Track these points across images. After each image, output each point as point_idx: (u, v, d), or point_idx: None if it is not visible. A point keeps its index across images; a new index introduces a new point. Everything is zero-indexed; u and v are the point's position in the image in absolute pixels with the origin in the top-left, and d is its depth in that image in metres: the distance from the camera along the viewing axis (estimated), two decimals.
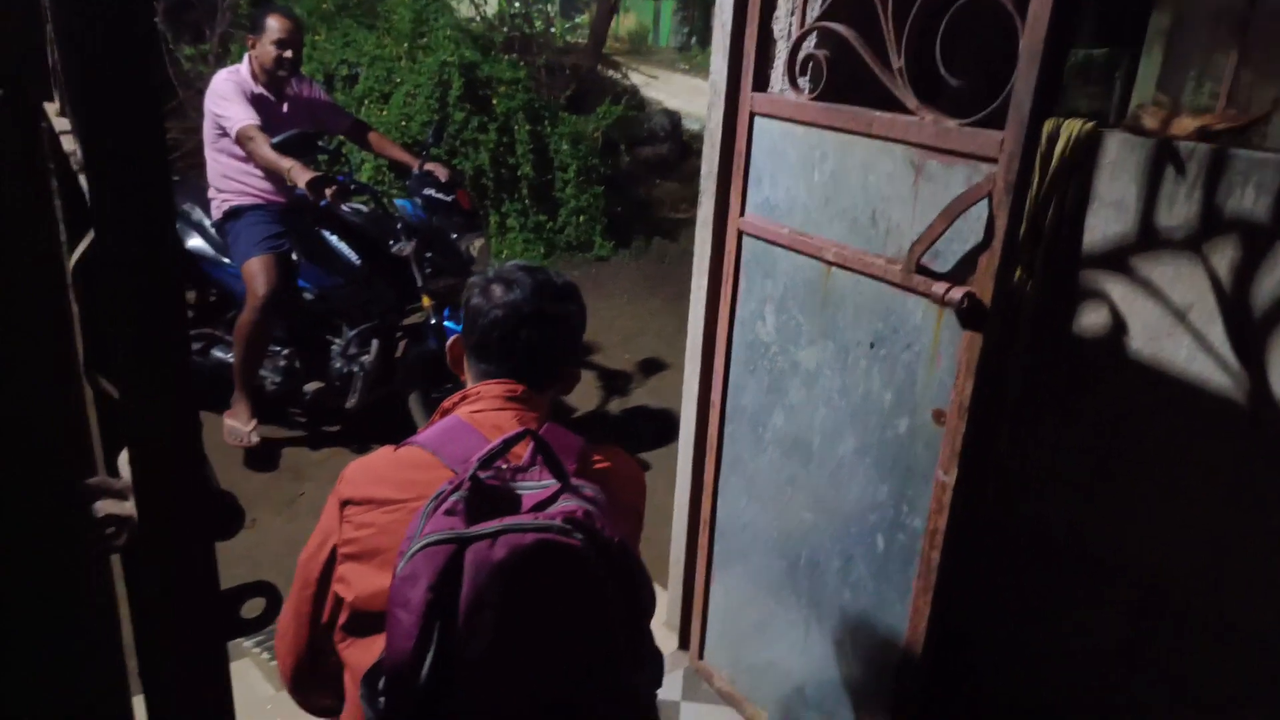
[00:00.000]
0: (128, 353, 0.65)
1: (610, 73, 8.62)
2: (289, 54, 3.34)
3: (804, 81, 1.79)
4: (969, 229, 1.50)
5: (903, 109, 1.58)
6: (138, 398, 0.65)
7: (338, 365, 3.64)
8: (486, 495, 1.16)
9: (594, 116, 6.43)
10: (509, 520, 1.09)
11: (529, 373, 1.34)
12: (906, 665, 1.73)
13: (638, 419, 4.12)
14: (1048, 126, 1.72)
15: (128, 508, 0.72)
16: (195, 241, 3.69)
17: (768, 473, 1.99)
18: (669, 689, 2.25)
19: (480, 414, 1.31)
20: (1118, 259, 1.70)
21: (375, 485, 1.24)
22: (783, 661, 2.05)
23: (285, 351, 3.68)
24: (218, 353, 3.71)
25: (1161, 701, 1.76)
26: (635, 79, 8.85)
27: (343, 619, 1.24)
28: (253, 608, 0.86)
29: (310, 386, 3.70)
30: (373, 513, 1.23)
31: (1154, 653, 1.75)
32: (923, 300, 1.58)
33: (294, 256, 3.52)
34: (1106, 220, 1.69)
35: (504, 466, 1.22)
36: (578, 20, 10.62)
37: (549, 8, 10.02)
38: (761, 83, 1.87)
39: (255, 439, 3.49)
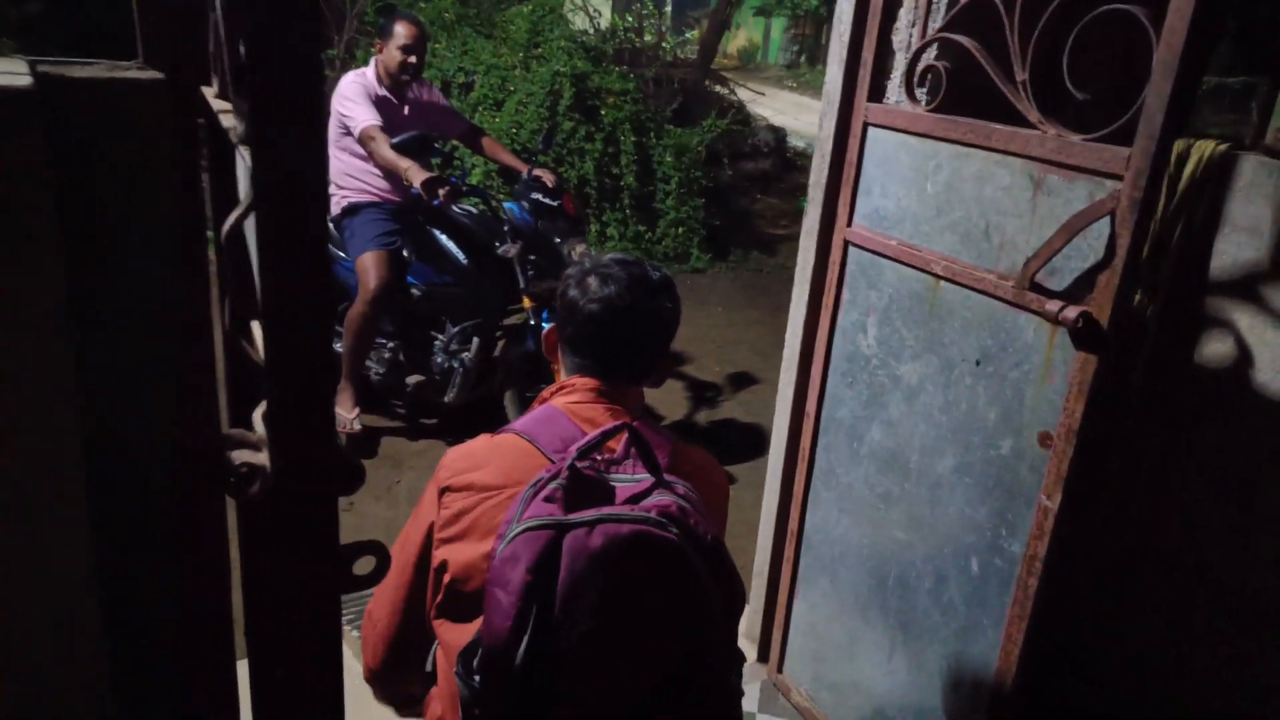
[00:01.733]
0: (275, 318, 0.69)
1: (717, 88, 8.66)
2: (413, 59, 3.48)
3: (921, 93, 1.77)
4: (1087, 247, 1.46)
5: (1021, 121, 1.55)
6: (280, 360, 0.70)
7: (439, 360, 3.75)
8: (584, 485, 1.18)
9: (698, 130, 6.46)
10: (606, 510, 1.10)
11: (622, 367, 1.36)
12: (998, 695, 1.67)
13: (726, 431, 4.11)
14: (1177, 147, 1.66)
15: (261, 458, 0.76)
16: None
17: (861, 487, 1.96)
18: (745, 700, 2.23)
19: (576, 405, 1.33)
20: (1247, 286, 1.62)
21: (474, 471, 1.27)
22: (865, 681, 2.01)
23: (391, 345, 3.81)
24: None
25: None
26: (742, 94, 8.87)
27: (439, 598, 1.27)
28: (363, 565, 0.90)
29: (412, 379, 3.82)
30: (471, 497, 1.25)
31: (1272, 686, 1.65)
32: (1034, 318, 1.54)
33: (405, 254, 3.66)
34: (1238, 245, 1.62)
35: (598, 458, 1.24)
36: (688, 35, 10.71)
37: (661, 22, 10.15)
38: (877, 94, 1.86)
39: (358, 426, 3.63)
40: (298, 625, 0.79)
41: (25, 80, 0.62)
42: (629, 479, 1.22)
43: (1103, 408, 1.49)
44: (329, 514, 0.77)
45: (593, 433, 1.23)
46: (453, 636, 1.25)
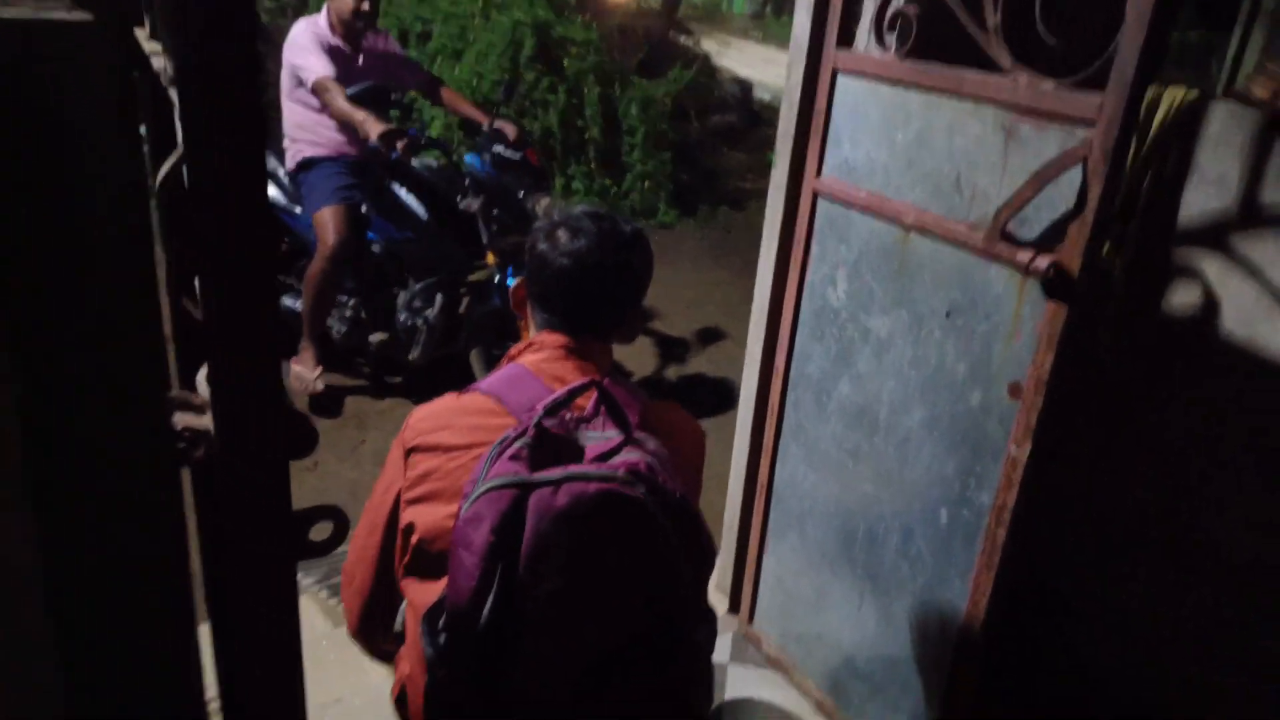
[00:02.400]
0: (212, 271, 0.65)
1: (683, 38, 8.52)
2: (366, 6, 3.35)
3: (891, 39, 1.73)
4: (1059, 196, 1.44)
5: (994, 70, 1.52)
6: (221, 316, 0.66)
7: (403, 318, 3.68)
8: (550, 443, 1.15)
9: (664, 82, 6.35)
10: (573, 469, 1.08)
11: (592, 323, 1.33)
12: (964, 642, 1.69)
13: (695, 386, 4.11)
14: (1148, 94, 1.64)
15: (205, 421, 0.72)
16: (270, 190, 3.74)
17: (829, 442, 1.96)
18: (717, 652, 2.25)
19: (544, 363, 1.30)
20: (1215, 236, 1.61)
21: (439, 431, 1.25)
22: (834, 632, 2.02)
23: (352, 302, 3.73)
24: (287, 300, 3.78)
25: (1242, 685, 1.70)
26: (708, 46, 8.73)
27: (407, 558, 1.25)
28: (320, 531, 0.87)
29: (375, 337, 3.75)
30: (437, 458, 1.23)
31: (1241, 637, 1.69)
32: (1005, 269, 1.53)
33: (364, 209, 3.56)
34: (1206, 196, 1.61)
35: (568, 416, 1.21)
36: None
37: None
38: (846, 40, 1.82)
39: (320, 386, 3.56)
40: (253, 591, 0.76)
41: None
42: (599, 436, 1.20)
43: (1072, 359, 1.48)
44: (278, 478, 0.73)
45: (560, 390, 1.20)
46: (420, 596, 1.24)
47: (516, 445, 1.14)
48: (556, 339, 1.31)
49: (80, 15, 0.71)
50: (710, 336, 4.58)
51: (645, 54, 6.55)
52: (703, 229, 6.07)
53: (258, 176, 0.63)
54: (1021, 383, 1.53)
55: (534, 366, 1.30)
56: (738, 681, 2.19)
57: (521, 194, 3.50)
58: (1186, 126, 1.62)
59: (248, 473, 0.70)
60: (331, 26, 3.42)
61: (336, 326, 3.72)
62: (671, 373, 4.22)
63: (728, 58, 9.28)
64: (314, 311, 3.52)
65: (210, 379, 0.69)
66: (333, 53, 3.38)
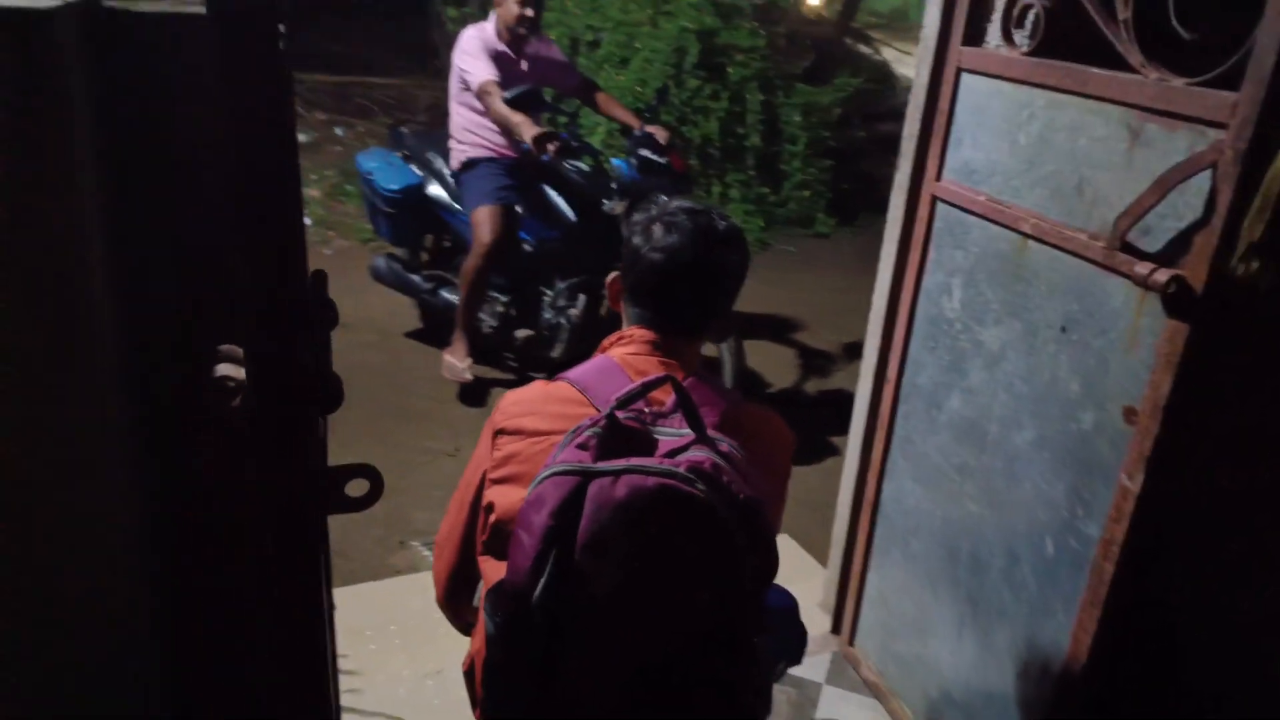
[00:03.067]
0: (240, 234, 0.71)
1: (860, 46, 8.33)
2: (530, 12, 3.50)
3: (1020, 36, 1.64)
4: (1185, 205, 1.32)
5: (1121, 69, 1.41)
6: (249, 273, 0.72)
7: (547, 315, 3.81)
8: (621, 434, 1.16)
9: (830, 89, 6.24)
10: (634, 461, 1.08)
11: (682, 320, 1.33)
12: (1065, 683, 1.57)
13: (832, 401, 4.01)
14: None
15: (241, 372, 0.80)
16: (435, 189, 3.98)
17: (937, 457, 1.87)
18: (814, 670, 2.20)
19: (631, 356, 1.31)
20: None
21: (525, 416, 1.28)
22: (933, 657, 1.93)
23: (503, 298, 3.90)
24: (445, 293, 4.00)
25: None
26: (888, 54, 8.49)
27: (485, 537, 1.30)
28: (357, 487, 0.94)
29: (521, 333, 3.91)
30: (521, 442, 1.26)
31: None
32: (1124, 283, 1.42)
33: (518, 209, 3.72)
34: None
35: (646, 410, 1.22)
36: None
37: None
38: (975, 39, 1.74)
39: (469, 376, 3.74)
40: (282, 534, 0.82)
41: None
42: (673, 432, 1.20)
43: (1197, 384, 1.35)
44: (307, 428, 0.79)
45: (626, 384, 1.21)
46: (493, 574, 1.28)
47: (586, 434, 1.15)
48: (645, 334, 1.33)
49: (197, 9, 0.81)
50: (855, 351, 4.44)
51: (813, 61, 6.46)
52: (859, 238, 5.91)
53: (286, 140, 0.69)
54: (1137, 406, 1.41)
55: (621, 360, 1.31)
56: (832, 703, 2.13)
57: (664, 198, 3.54)
58: None
59: (274, 423, 0.77)
60: (498, 33, 3.59)
61: (487, 321, 3.90)
62: (811, 386, 4.14)
63: (907, 65, 8.99)
64: (467, 305, 3.70)
65: (242, 331, 0.76)
66: (498, 58, 3.55)
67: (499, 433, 1.30)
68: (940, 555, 1.88)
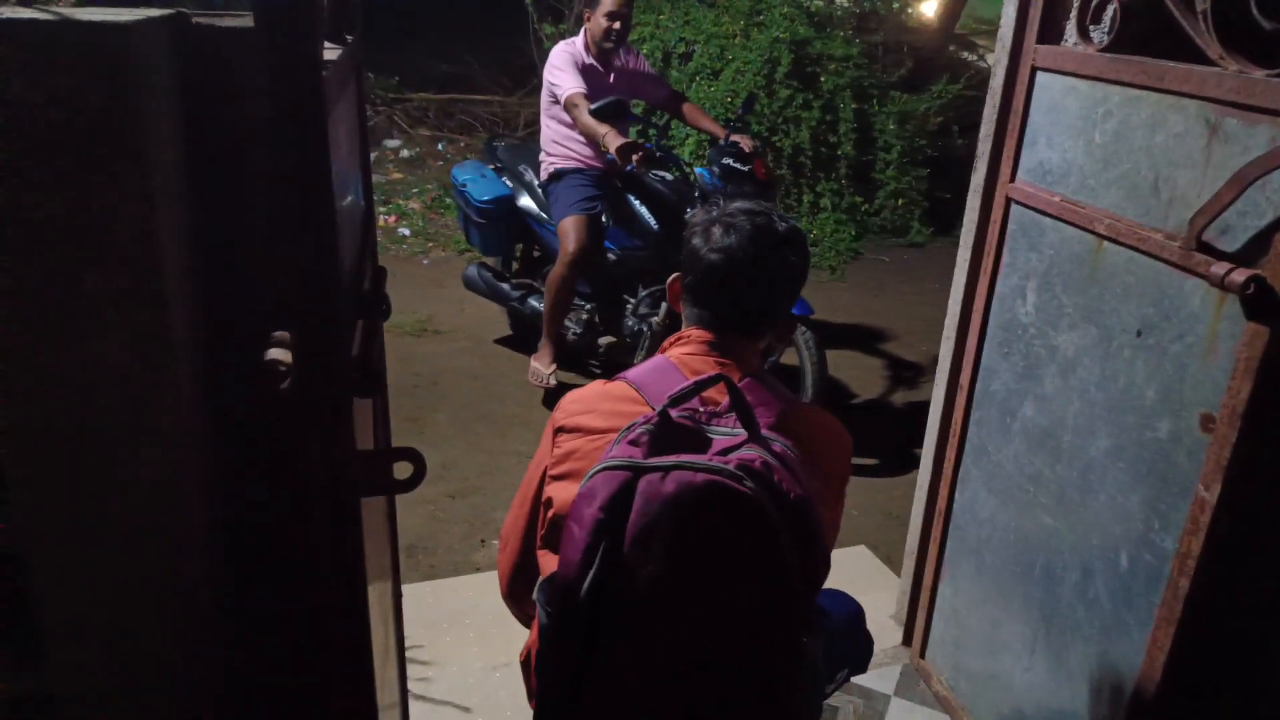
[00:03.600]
0: (278, 230, 0.77)
1: (964, 54, 8.11)
2: (617, 25, 3.57)
3: (1097, 32, 1.59)
4: (1266, 202, 1.25)
5: (1203, 61, 1.35)
6: (289, 268, 0.78)
7: (630, 323, 3.86)
8: (674, 432, 1.18)
9: (926, 97, 6.11)
10: (684, 458, 1.10)
11: (739, 320, 1.34)
12: (1138, 704, 1.50)
13: (920, 413, 3.91)
14: None
15: (288, 355, 0.86)
16: (525, 200, 4.09)
17: (1011, 467, 1.82)
18: (883, 681, 2.15)
19: (688, 356, 1.33)
20: None
21: (584, 414, 1.30)
22: (1005, 673, 1.87)
23: (588, 306, 3.97)
24: (533, 301, 4.10)
25: None
26: (992, 61, 8.25)
27: (544, 531, 1.33)
28: (402, 470, 0.98)
29: (604, 340, 3.97)
30: (579, 439, 1.29)
31: None
32: (1202, 284, 1.35)
33: (603, 219, 3.79)
34: None
35: (701, 409, 1.24)
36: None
37: None
38: (1053, 36, 1.69)
39: (553, 382, 3.82)
40: (319, 510, 0.88)
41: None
42: (727, 431, 1.21)
43: (1277, 389, 1.28)
44: (342, 410, 0.85)
45: (688, 382, 1.22)
46: (550, 567, 1.31)
47: (639, 430, 1.18)
48: (702, 334, 1.34)
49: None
50: None
51: (909, 69, 6.34)
52: (956, 248, 5.76)
53: (317, 153, 0.75)
54: (1214, 414, 1.34)
55: (679, 360, 1.33)
56: (900, 716, 2.08)
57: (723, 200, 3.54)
58: None
59: (314, 400, 0.82)
60: (586, 47, 3.67)
61: (572, 329, 3.97)
62: (898, 398, 4.06)
63: None
64: (552, 313, 3.78)
65: (286, 318, 0.82)
66: (586, 71, 3.63)
67: (559, 430, 1.33)
68: (1013, 569, 1.82)
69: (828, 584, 1.76)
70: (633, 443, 1.16)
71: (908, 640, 2.24)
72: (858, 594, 1.85)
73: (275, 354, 0.86)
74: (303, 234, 0.76)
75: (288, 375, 0.86)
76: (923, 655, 2.17)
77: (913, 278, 5.36)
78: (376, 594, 1.29)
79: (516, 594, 1.45)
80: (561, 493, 1.28)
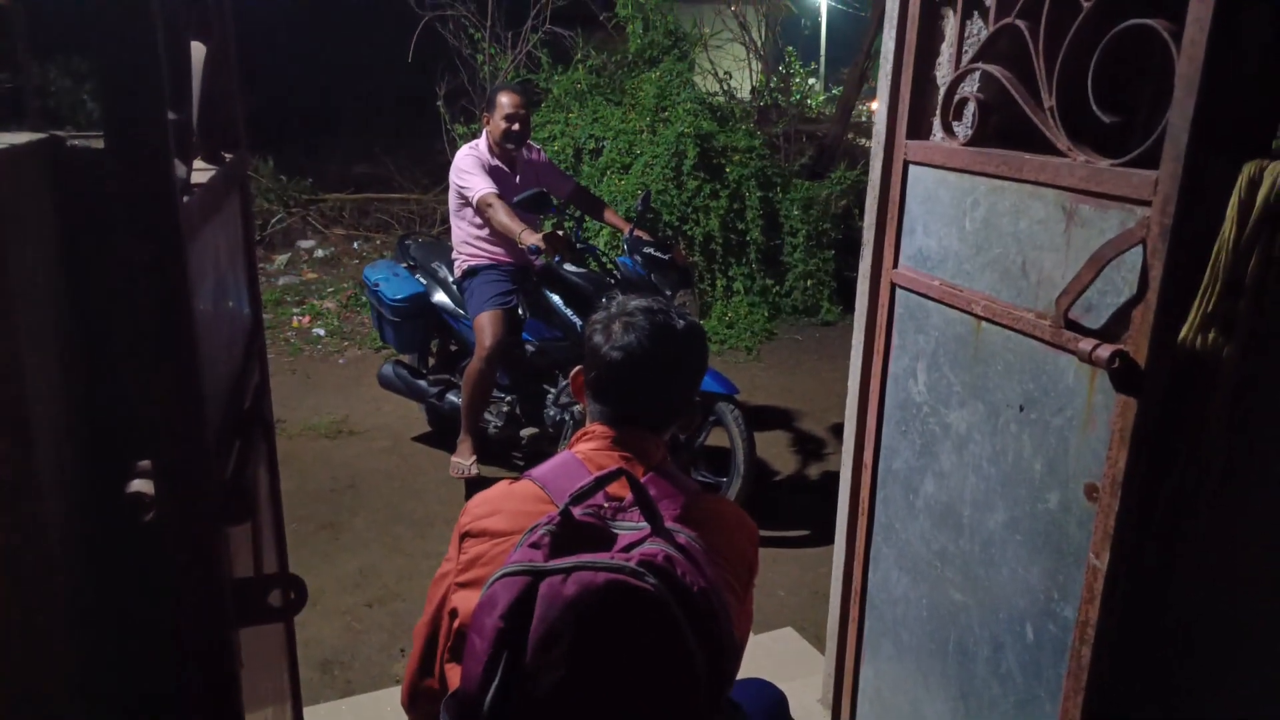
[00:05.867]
0: (139, 366, 0.75)
1: (862, 141, 8.54)
2: (516, 127, 3.66)
3: (960, 127, 1.69)
4: (1122, 280, 1.33)
5: (1057, 152, 1.45)
6: (147, 395, 0.76)
7: (551, 413, 3.85)
8: (577, 531, 1.17)
9: (828, 183, 6.39)
10: (585, 558, 1.08)
11: (641, 415, 1.35)
12: None
13: (835, 486, 3.96)
14: (1249, 169, 1.49)
15: (150, 486, 0.83)
16: (440, 297, 4.09)
17: (918, 544, 1.84)
18: None
19: (593, 452, 1.33)
20: None
21: (489, 518, 1.28)
22: None
23: (508, 399, 3.96)
24: (452, 397, 4.06)
25: None
26: None
27: (450, 642, 1.29)
28: (277, 598, 0.95)
29: (527, 432, 3.94)
30: (485, 543, 1.26)
31: None
32: (1074, 359, 1.42)
33: (520, 312, 3.81)
34: None
35: (605, 505, 1.23)
36: (834, 92, 10.67)
37: (809, 81, 10.18)
38: (921, 132, 1.80)
39: (475, 470, 3.76)
40: (191, 644, 0.84)
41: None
42: (632, 526, 1.20)
43: (1155, 457, 1.34)
44: (210, 542, 0.82)
45: (587, 480, 1.22)
46: (455, 681, 1.27)
47: (541, 532, 1.16)
48: (605, 430, 1.34)
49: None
50: None
51: (810, 156, 6.63)
52: None
53: (177, 274, 0.74)
54: (1098, 484, 1.39)
55: (584, 455, 1.33)
56: None
57: (669, 292, 3.62)
58: None
59: (174, 536, 0.79)
60: (490, 149, 3.75)
61: (493, 421, 3.94)
62: (820, 472, 4.11)
63: None
64: (471, 407, 3.75)
65: (149, 445, 0.79)
66: (492, 172, 3.70)
67: (464, 536, 1.30)
68: (929, 646, 1.83)
69: (755, 670, 1.75)
70: (534, 545, 1.14)
71: None
72: (785, 678, 1.84)
73: (138, 485, 0.83)
74: (163, 362, 0.75)
75: (151, 507, 0.83)
76: None
77: (826, 355, 5.49)
78: None
79: (416, 702, 1.38)
80: (466, 602, 1.25)
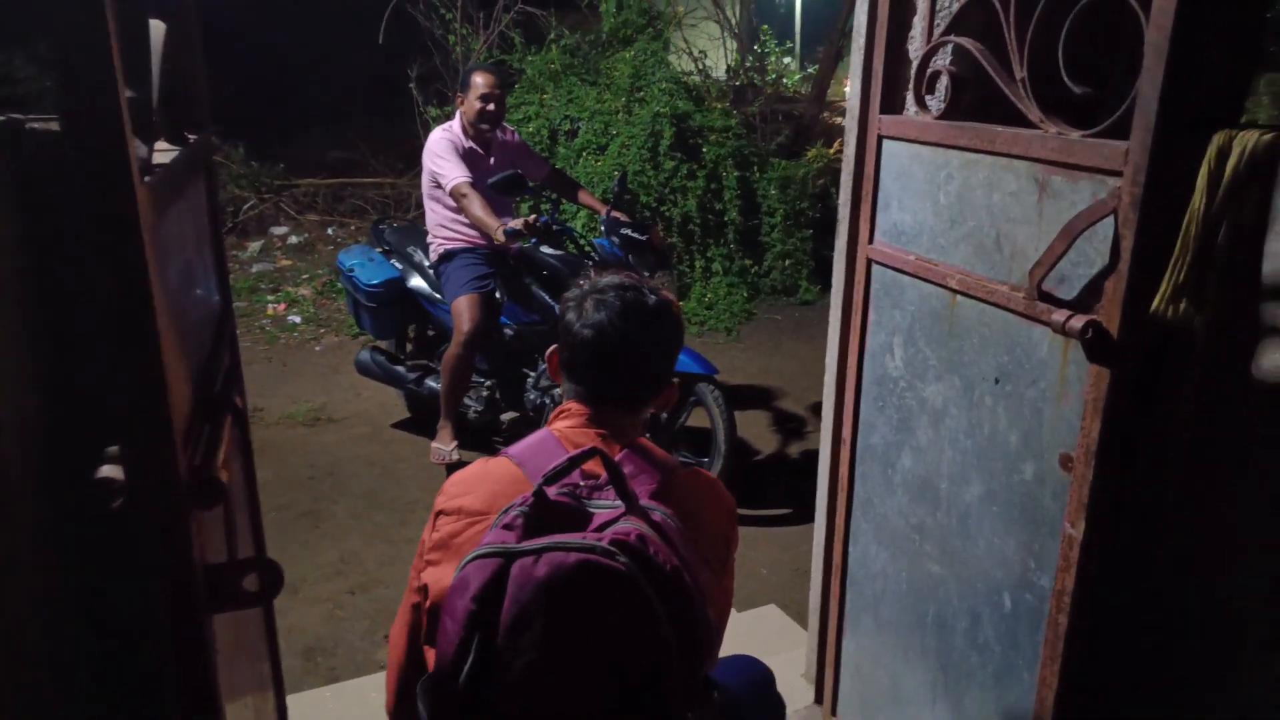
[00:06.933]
0: (102, 352, 0.74)
1: (837, 120, 8.54)
2: (491, 107, 3.62)
3: (932, 101, 1.69)
4: (1094, 251, 1.34)
5: (1029, 124, 1.45)
6: (113, 383, 0.75)
7: (531, 396, 3.84)
8: (551, 511, 1.16)
9: (804, 162, 6.38)
10: (556, 539, 1.08)
11: (615, 393, 1.34)
12: None
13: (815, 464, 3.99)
14: (1219, 139, 1.50)
15: (119, 471, 0.82)
16: (416, 281, 4.06)
17: (896, 518, 1.86)
18: None
19: (569, 430, 1.32)
20: None
21: (464, 496, 1.27)
22: None
23: (488, 383, 3.94)
24: (431, 382, 4.04)
25: None
26: None
27: (427, 625, 1.28)
28: (253, 582, 0.94)
29: (507, 416, 3.93)
30: (459, 522, 1.26)
31: None
32: (1047, 331, 1.43)
33: (498, 295, 3.78)
34: None
35: (582, 484, 1.22)
36: (810, 70, 10.65)
37: (784, 59, 10.15)
38: (894, 106, 1.79)
39: (456, 456, 3.74)
40: (162, 636, 0.82)
41: None
42: (608, 504, 1.20)
43: (1128, 427, 1.35)
44: (179, 526, 0.80)
45: (561, 458, 1.21)
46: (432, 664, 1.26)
47: (514, 513, 1.15)
48: (580, 408, 1.34)
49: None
50: None
51: (787, 136, 6.62)
52: None
53: (136, 268, 0.72)
54: (1072, 454, 1.41)
55: (560, 433, 1.32)
56: None
57: (646, 274, 3.61)
58: (1266, 171, 1.46)
59: (144, 521, 0.78)
60: (464, 130, 3.71)
61: (473, 407, 3.92)
62: (800, 450, 4.13)
63: None
64: (451, 393, 3.73)
65: (118, 429, 0.78)
66: (467, 155, 3.66)
67: (439, 514, 1.29)
68: (908, 619, 1.85)
69: (739, 647, 1.76)
70: (507, 527, 1.13)
71: (819, 699, 2.24)
72: (770, 654, 1.85)
73: (107, 471, 0.82)
74: (126, 346, 0.73)
75: (120, 493, 0.82)
76: (834, 712, 2.16)
77: (805, 334, 5.51)
78: (251, 711, 1.22)
79: (398, 702, 1.36)
80: (439, 579, 1.23)
